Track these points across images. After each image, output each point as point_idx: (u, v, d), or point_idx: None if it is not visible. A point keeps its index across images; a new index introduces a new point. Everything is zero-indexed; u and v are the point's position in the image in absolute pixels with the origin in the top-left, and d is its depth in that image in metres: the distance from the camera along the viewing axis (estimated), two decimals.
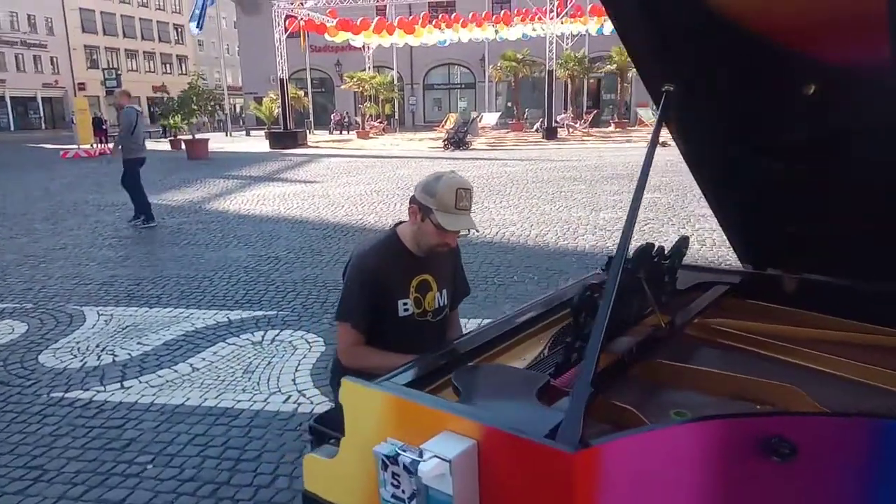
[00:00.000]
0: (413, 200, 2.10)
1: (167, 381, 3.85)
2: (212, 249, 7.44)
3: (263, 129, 31.94)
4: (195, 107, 22.04)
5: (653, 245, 1.74)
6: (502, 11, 28.06)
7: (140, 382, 3.85)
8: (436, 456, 1.20)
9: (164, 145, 25.44)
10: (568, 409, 1.21)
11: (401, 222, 2.27)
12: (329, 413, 2.43)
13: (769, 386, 1.50)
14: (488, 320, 4.40)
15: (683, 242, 2.00)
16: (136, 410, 3.50)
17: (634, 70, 30.12)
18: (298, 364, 4.06)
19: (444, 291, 2.30)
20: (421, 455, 1.23)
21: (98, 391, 3.75)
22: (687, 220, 8.29)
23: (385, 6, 32.78)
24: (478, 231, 2.21)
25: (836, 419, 1.24)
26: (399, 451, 1.29)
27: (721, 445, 1.22)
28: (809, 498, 1.20)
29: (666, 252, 1.90)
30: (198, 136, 22.51)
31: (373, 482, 1.29)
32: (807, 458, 1.18)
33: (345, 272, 2.27)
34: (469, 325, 4.01)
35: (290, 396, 3.63)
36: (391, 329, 2.19)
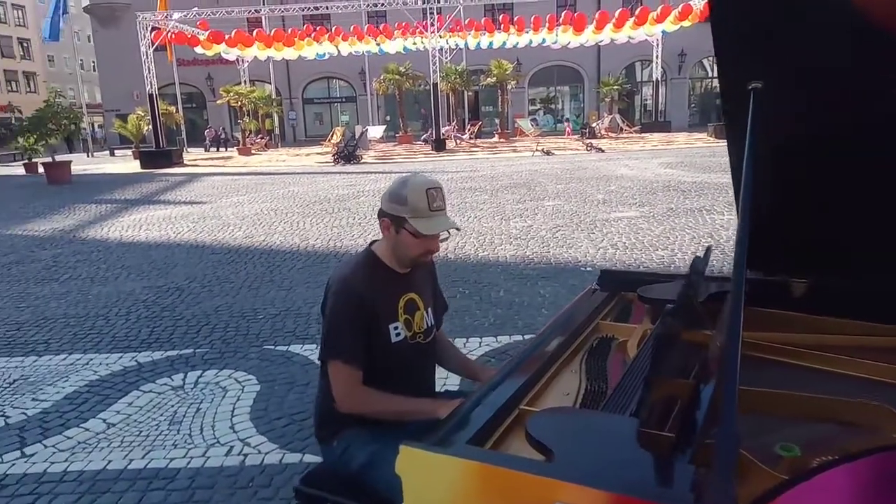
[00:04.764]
0: (382, 214, 1.97)
1: (79, 443, 3.29)
2: (99, 283, 6.65)
3: (130, 148, 29.78)
4: (52, 126, 20.00)
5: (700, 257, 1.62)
6: (381, 25, 27.93)
7: (45, 447, 3.25)
8: None
9: (17, 169, 23.01)
10: (718, 467, 1.02)
11: (374, 241, 2.11)
12: (317, 471, 2.12)
13: (860, 406, 1.39)
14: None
15: (708, 254, 1.89)
16: (48, 482, 2.94)
17: (513, 83, 31.50)
18: (233, 408, 3.62)
19: (430, 310, 2.16)
20: None
21: None
22: (594, 224, 8.49)
23: (259, 18, 31.71)
24: (459, 229, 2.08)
25: None
26: None
27: (873, 484, 1.09)
28: None
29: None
30: (58, 157, 20.48)
31: None
32: None
33: (324, 304, 2.04)
34: None
35: (232, 447, 3.20)
36: (384, 359, 1.98)
